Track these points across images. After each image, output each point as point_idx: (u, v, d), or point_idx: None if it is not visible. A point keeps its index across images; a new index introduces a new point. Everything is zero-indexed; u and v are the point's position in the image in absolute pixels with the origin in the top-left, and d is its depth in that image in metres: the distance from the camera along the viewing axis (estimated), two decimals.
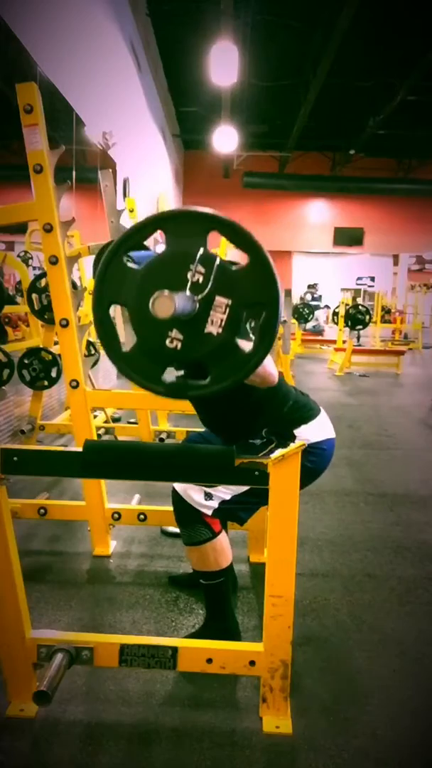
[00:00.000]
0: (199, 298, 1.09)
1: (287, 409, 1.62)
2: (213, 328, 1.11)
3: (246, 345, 1.13)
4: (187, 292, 1.07)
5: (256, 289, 1.10)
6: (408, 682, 1.62)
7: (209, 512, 1.60)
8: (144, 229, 1.13)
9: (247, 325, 1.27)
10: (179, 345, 1.12)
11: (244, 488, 1.58)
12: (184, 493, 1.63)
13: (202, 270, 1.09)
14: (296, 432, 1.59)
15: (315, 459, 1.61)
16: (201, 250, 1.08)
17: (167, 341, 1.12)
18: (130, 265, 1.14)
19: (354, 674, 1.65)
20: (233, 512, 1.64)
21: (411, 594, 2.11)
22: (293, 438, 1.58)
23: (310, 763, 1.33)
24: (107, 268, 1.13)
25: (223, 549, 1.66)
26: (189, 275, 1.08)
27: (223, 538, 1.66)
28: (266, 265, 1.09)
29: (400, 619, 1.94)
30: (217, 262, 1.09)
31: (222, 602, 1.73)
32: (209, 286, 1.09)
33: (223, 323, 1.10)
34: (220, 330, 1.11)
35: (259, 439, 1.60)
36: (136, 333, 1.14)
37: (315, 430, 1.63)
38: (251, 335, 1.16)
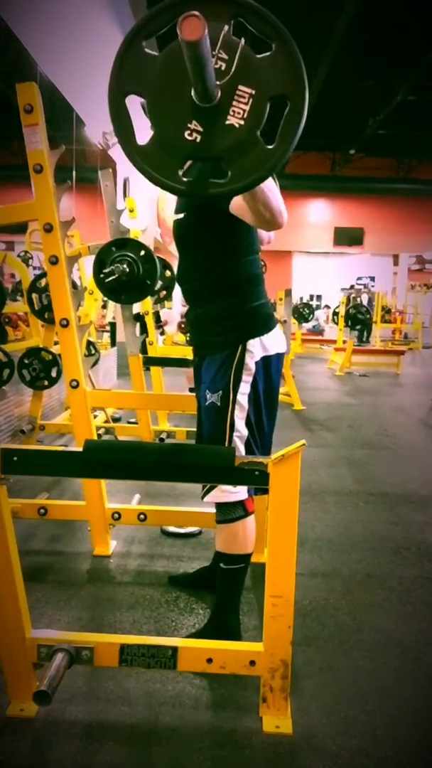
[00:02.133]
0: (221, 85, 1.02)
1: (258, 303, 1.67)
2: (235, 119, 1.04)
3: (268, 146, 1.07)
4: (208, 41, 0.97)
5: (281, 80, 1.03)
6: (408, 682, 1.62)
7: (245, 495, 1.63)
8: (164, 13, 1.04)
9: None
10: (199, 137, 1.05)
11: None
12: (218, 500, 1.65)
13: (225, 56, 1.03)
14: (262, 339, 1.63)
15: (273, 367, 1.67)
16: (224, 32, 1.02)
17: (186, 133, 1.05)
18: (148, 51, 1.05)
19: (354, 674, 1.65)
20: None
21: (411, 594, 2.11)
22: (245, 355, 1.61)
23: (310, 763, 1.33)
24: (125, 55, 1.06)
25: (252, 532, 1.69)
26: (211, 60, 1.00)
27: (252, 521, 1.68)
28: (293, 54, 1.02)
29: (400, 619, 1.94)
30: (241, 46, 1.03)
31: (237, 593, 1.74)
32: (232, 72, 1.02)
33: (245, 114, 1.04)
34: (242, 122, 1.04)
35: (216, 393, 1.62)
36: (153, 125, 1.07)
37: (278, 340, 1.69)
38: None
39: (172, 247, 1.99)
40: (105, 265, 2.55)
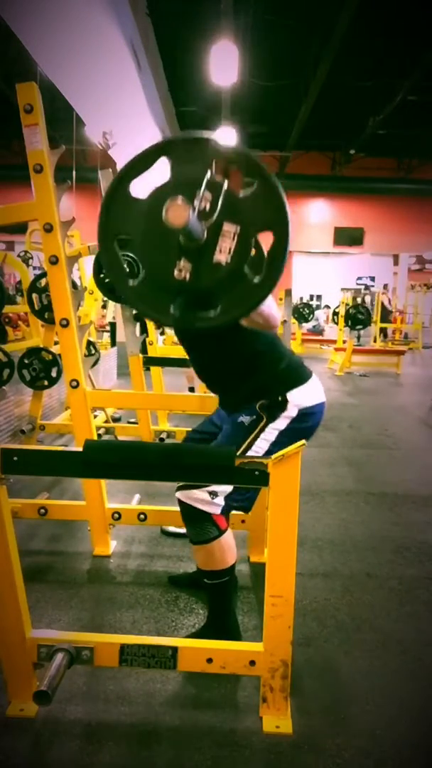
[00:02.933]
0: (207, 225, 1.06)
1: (282, 367, 1.65)
2: (222, 256, 1.08)
3: (254, 278, 1.11)
4: (195, 219, 1.04)
5: (265, 216, 1.07)
6: (408, 682, 1.62)
7: (218, 511, 1.60)
8: (148, 157, 1.09)
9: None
10: (188, 275, 1.09)
11: None
12: (189, 499, 1.63)
13: (209, 196, 1.06)
14: (289, 395, 1.60)
15: (308, 422, 1.64)
16: (208, 175, 1.05)
17: (175, 272, 1.09)
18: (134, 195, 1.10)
19: (354, 674, 1.65)
20: (239, 502, 1.65)
21: (411, 594, 2.11)
22: (285, 404, 1.59)
23: (310, 763, 1.33)
24: (112, 199, 1.10)
25: (229, 546, 1.66)
26: (195, 202, 1.05)
27: (229, 536, 1.67)
28: (274, 190, 1.06)
29: (400, 619, 1.94)
30: (225, 187, 1.06)
31: (226, 602, 1.73)
32: (217, 212, 1.06)
33: (231, 251, 1.08)
34: (229, 258, 1.08)
35: (249, 416, 1.61)
36: (142, 265, 1.12)
37: (308, 394, 1.65)
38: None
39: None
40: None
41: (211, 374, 1.77)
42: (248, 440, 1.59)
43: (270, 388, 1.62)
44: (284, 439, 1.58)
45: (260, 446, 1.60)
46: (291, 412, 1.60)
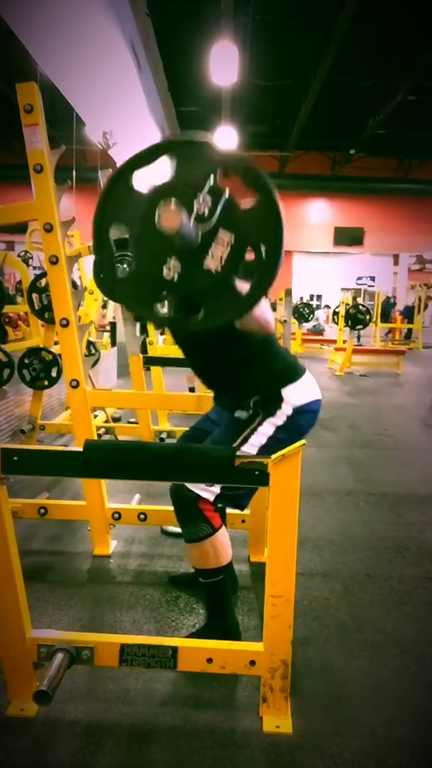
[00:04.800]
0: (202, 231, 1.06)
1: (277, 365, 1.66)
2: (212, 263, 1.08)
3: (242, 286, 1.11)
4: (191, 222, 1.04)
5: (261, 229, 1.07)
6: (408, 682, 1.62)
7: (212, 497, 1.60)
8: (154, 153, 1.09)
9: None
10: (176, 276, 1.09)
11: None
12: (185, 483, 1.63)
13: (209, 202, 1.06)
14: (284, 392, 1.61)
15: (303, 419, 1.64)
16: (211, 181, 1.05)
17: (164, 270, 1.09)
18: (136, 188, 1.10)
19: (354, 674, 1.65)
20: (234, 497, 1.65)
21: (411, 594, 2.11)
22: (280, 401, 1.60)
23: (310, 763, 1.33)
24: (113, 188, 1.10)
25: (222, 545, 1.66)
26: (195, 205, 1.06)
27: (222, 535, 1.66)
28: (274, 208, 1.07)
29: (400, 619, 1.94)
30: (226, 196, 1.07)
31: (222, 601, 1.73)
32: (215, 218, 1.06)
33: (223, 259, 1.08)
34: (219, 267, 1.08)
35: (246, 411, 1.62)
36: (133, 257, 1.12)
37: (302, 391, 1.65)
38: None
39: None
40: None
41: (207, 372, 1.78)
42: (244, 434, 1.60)
43: (265, 386, 1.63)
44: (281, 434, 1.59)
45: (257, 441, 1.60)
46: (286, 410, 1.60)
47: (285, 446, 1.57)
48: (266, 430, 1.60)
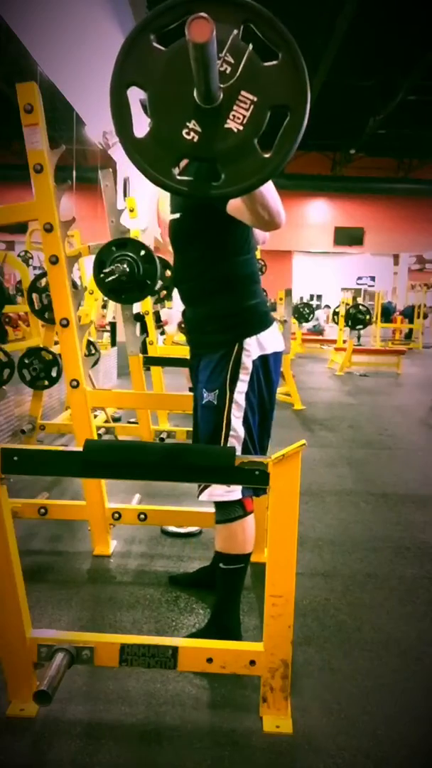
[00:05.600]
0: (224, 86, 1.02)
1: (252, 302, 1.67)
2: (234, 123, 1.04)
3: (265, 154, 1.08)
4: (215, 44, 0.96)
5: (284, 90, 1.03)
6: (408, 682, 1.62)
7: (239, 496, 1.63)
8: (174, 9, 1.03)
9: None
10: (196, 137, 1.05)
11: None
12: (213, 497, 1.65)
13: (231, 60, 1.03)
14: (259, 337, 1.63)
15: (267, 371, 1.67)
16: (233, 36, 1.02)
17: (184, 132, 1.05)
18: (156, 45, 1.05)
19: (354, 674, 1.65)
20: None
21: (411, 594, 2.11)
22: (241, 354, 1.61)
23: (310, 763, 1.33)
24: (131, 46, 1.05)
25: (252, 531, 1.69)
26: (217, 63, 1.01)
27: (252, 520, 1.68)
28: (299, 66, 1.03)
29: (400, 619, 1.94)
30: (249, 51, 1.02)
31: (235, 593, 1.74)
32: (236, 76, 1.02)
33: (245, 120, 1.04)
34: (241, 127, 1.04)
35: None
36: (152, 119, 1.08)
37: (275, 339, 1.69)
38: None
39: None
40: (105, 265, 2.55)
41: (189, 284, 1.75)
42: (223, 423, 1.62)
43: (235, 321, 1.64)
44: (252, 399, 1.63)
45: (236, 426, 1.62)
46: (247, 363, 1.62)
47: (264, 397, 1.67)
48: (237, 411, 1.62)
